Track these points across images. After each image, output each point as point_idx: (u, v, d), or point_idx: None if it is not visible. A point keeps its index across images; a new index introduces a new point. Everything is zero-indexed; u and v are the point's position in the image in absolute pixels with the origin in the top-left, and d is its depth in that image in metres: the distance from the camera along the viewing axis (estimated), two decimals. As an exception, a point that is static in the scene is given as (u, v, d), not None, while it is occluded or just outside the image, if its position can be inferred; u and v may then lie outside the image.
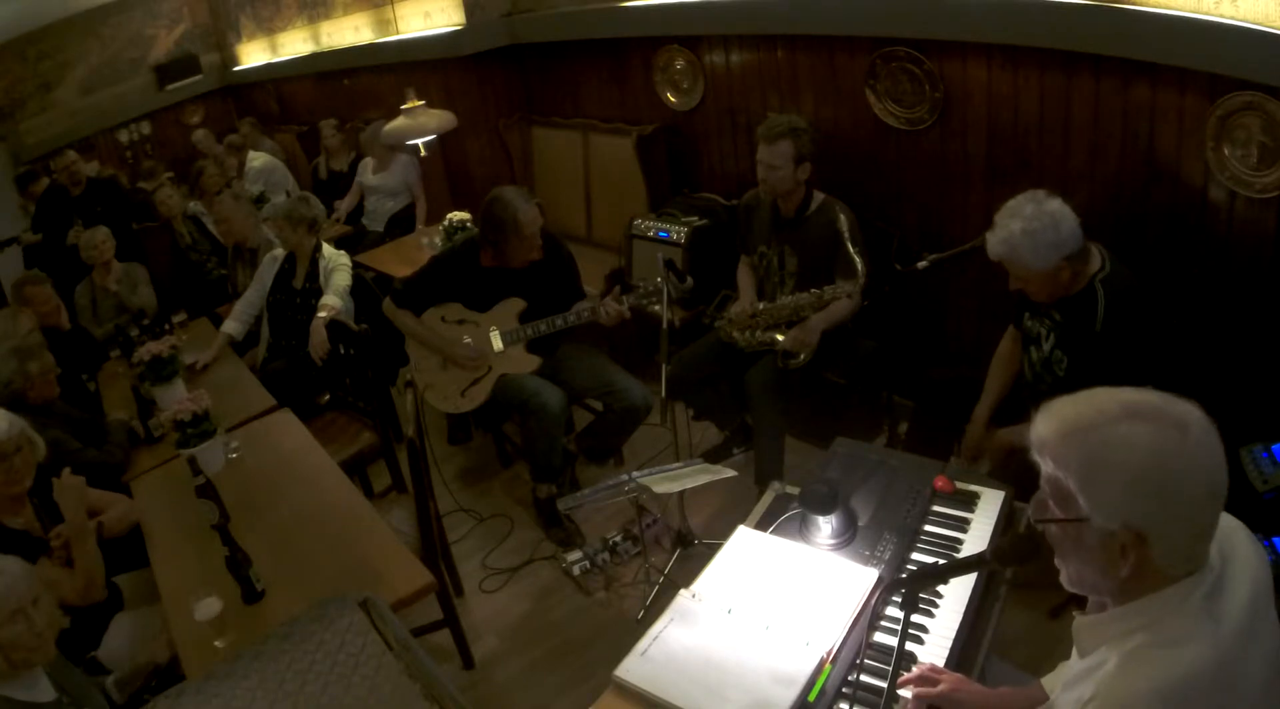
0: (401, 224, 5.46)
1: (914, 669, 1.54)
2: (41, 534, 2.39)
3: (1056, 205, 2.17)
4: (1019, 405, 2.54)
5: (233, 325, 3.87)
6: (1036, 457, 1.13)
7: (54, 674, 1.84)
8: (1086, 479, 1.07)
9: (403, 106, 3.91)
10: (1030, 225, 2.15)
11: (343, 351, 3.47)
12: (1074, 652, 1.23)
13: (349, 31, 5.99)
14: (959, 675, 1.51)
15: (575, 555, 3.09)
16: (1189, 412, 1.07)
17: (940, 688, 1.48)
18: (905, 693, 1.49)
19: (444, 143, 4.74)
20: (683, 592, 1.75)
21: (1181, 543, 1.07)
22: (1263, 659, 1.06)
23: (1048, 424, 1.12)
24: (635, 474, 2.48)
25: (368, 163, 5.63)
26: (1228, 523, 1.18)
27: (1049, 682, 1.46)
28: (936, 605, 1.69)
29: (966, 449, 2.61)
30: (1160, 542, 1.05)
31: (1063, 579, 1.17)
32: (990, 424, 2.59)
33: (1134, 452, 1.04)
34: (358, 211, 5.80)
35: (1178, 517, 1.05)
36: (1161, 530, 1.05)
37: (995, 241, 2.24)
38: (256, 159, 6.35)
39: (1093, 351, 2.24)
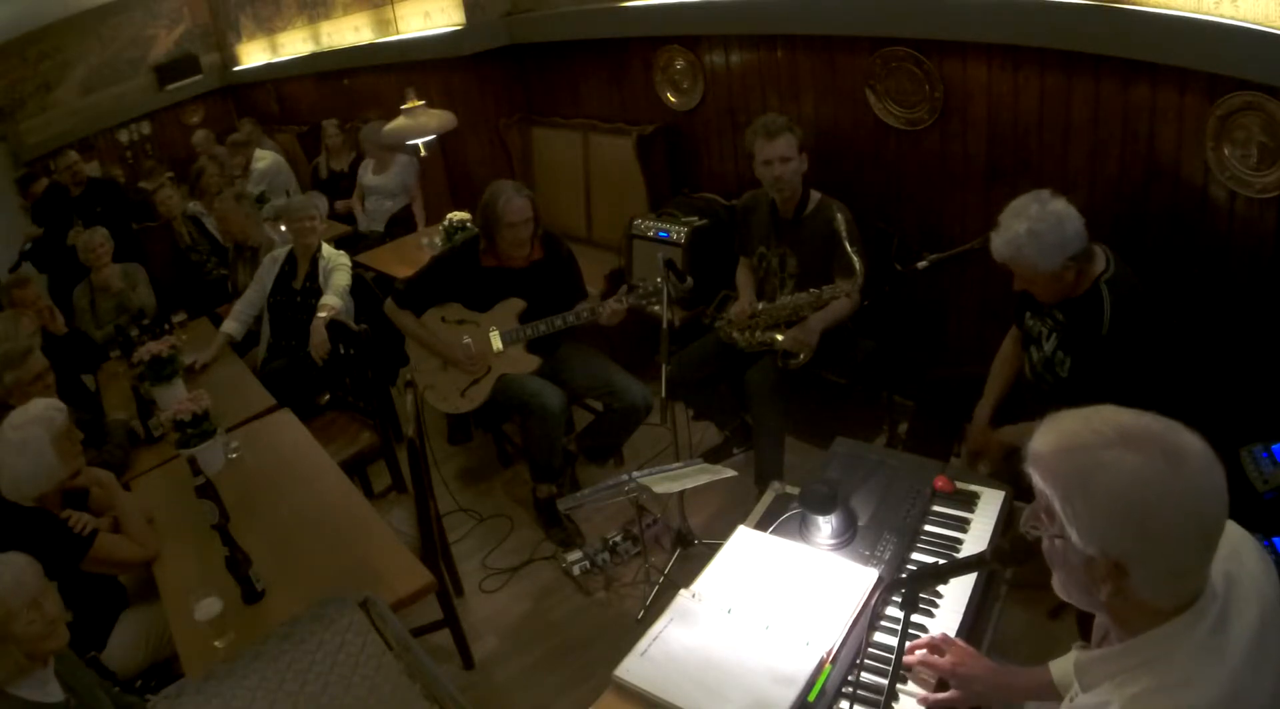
0: (402, 224, 5.46)
1: (924, 637, 1.55)
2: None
3: (1061, 205, 2.16)
4: (1020, 405, 2.54)
5: (232, 325, 3.87)
6: (1029, 468, 1.11)
7: (63, 674, 1.84)
8: (1067, 500, 1.05)
9: (403, 106, 3.91)
10: (1035, 226, 2.14)
11: (343, 351, 3.47)
12: (1075, 685, 1.21)
13: (349, 31, 5.99)
14: (970, 649, 1.52)
15: (575, 555, 3.09)
16: (1187, 445, 1.02)
17: (947, 658, 1.50)
18: (912, 662, 1.52)
19: (444, 143, 4.74)
20: (683, 592, 1.75)
21: (1162, 578, 1.03)
22: (1274, 678, 1.04)
23: (1044, 438, 1.10)
24: (635, 474, 2.48)
25: (368, 163, 5.63)
26: (1234, 535, 1.14)
27: (1056, 667, 1.46)
28: (936, 605, 1.69)
29: (968, 450, 2.61)
30: (1139, 573, 1.03)
31: (1054, 585, 1.17)
32: (992, 424, 2.59)
33: (1116, 480, 1.01)
34: (358, 212, 5.82)
35: (1157, 552, 1.01)
36: (1139, 563, 1.02)
37: (1000, 243, 2.23)
38: (262, 160, 6.34)
39: (1099, 354, 2.23)
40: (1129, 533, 1.01)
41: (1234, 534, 1.14)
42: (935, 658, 1.51)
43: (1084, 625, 1.35)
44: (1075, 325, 2.29)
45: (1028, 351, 2.50)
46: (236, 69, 8.01)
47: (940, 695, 1.49)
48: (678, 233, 3.76)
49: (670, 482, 2.48)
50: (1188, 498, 1.00)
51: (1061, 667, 1.44)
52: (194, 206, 5.30)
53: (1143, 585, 1.03)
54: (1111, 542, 1.02)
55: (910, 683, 1.54)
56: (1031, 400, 2.49)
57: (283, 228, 4.22)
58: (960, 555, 1.78)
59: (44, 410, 2.40)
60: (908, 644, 1.51)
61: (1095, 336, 2.22)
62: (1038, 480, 1.10)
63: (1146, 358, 2.20)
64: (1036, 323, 2.44)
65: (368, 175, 5.60)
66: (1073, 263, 2.18)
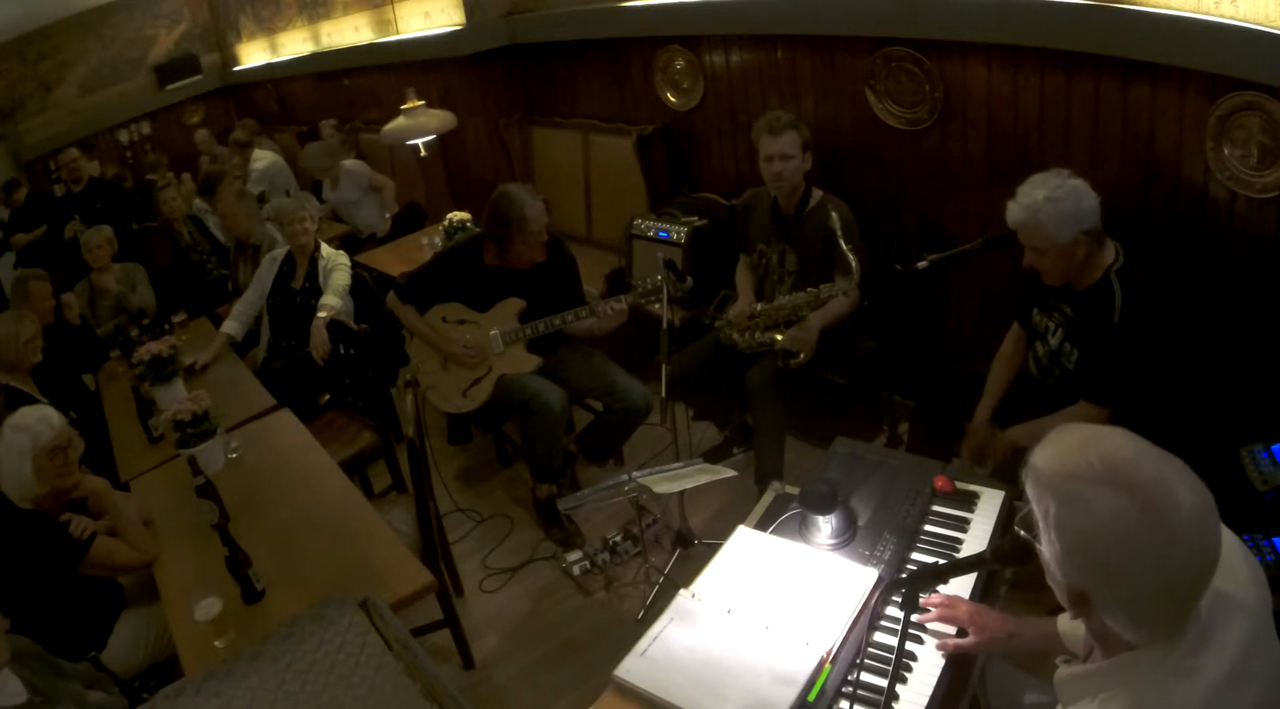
0: (404, 223, 5.47)
1: (934, 597, 1.62)
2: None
3: (1079, 182, 2.20)
4: (1021, 403, 2.54)
5: (232, 326, 3.87)
6: (1026, 477, 1.11)
7: (26, 674, 1.82)
8: (1046, 523, 1.06)
9: (402, 106, 3.91)
10: (1054, 194, 2.18)
11: (343, 352, 3.47)
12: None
13: (349, 31, 6.00)
14: (981, 605, 1.59)
15: (575, 555, 3.09)
16: (1176, 498, 0.98)
17: (964, 610, 1.57)
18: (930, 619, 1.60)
19: (444, 143, 4.74)
20: (683, 592, 1.75)
21: (1124, 619, 1.03)
22: (1261, 689, 1.03)
23: (1045, 453, 1.09)
24: (635, 474, 2.48)
25: (324, 184, 5.58)
26: (1224, 543, 1.10)
27: (1062, 622, 1.47)
28: (936, 605, 1.69)
29: (970, 451, 2.61)
30: (1104, 610, 1.04)
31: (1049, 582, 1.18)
32: (992, 424, 2.59)
33: (1088, 519, 1.01)
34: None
35: (1121, 597, 1.01)
36: (1103, 602, 1.03)
37: (1018, 208, 2.25)
38: (260, 160, 6.32)
39: (1109, 345, 2.24)
40: (1090, 573, 1.03)
41: (1224, 542, 1.10)
42: (952, 611, 1.59)
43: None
44: (1086, 316, 2.30)
45: (1032, 347, 2.51)
46: (236, 69, 8.01)
47: (961, 641, 1.56)
48: (678, 233, 3.76)
49: (670, 482, 2.48)
50: (1157, 553, 0.98)
51: (1066, 621, 1.46)
52: (199, 204, 5.30)
53: (1111, 619, 1.05)
54: (1075, 576, 1.04)
55: (925, 641, 1.60)
56: (1034, 397, 2.49)
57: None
58: (960, 555, 1.79)
59: (35, 423, 2.36)
60: (923, 601, 1.58)
61: (1107, 326, 2.23)
62: (1030, 492, 1.10)
63: (1155, 350, 2.21)
64: (1043, 318, 2.44)
65: (328, 193, 5.57)
66: (1085, 238, 2.20)
